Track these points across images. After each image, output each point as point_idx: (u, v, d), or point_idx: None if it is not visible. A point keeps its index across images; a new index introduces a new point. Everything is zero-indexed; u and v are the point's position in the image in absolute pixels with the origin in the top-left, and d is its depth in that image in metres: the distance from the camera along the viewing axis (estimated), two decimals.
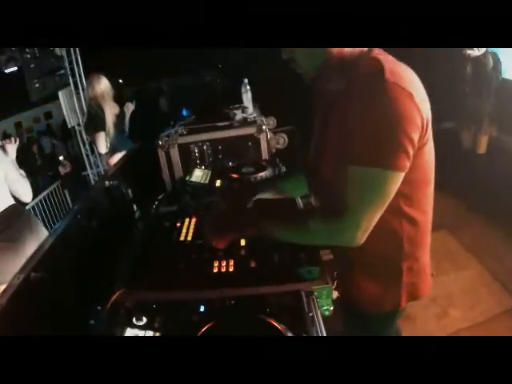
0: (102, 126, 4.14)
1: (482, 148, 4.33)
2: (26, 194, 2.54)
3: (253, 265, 1.49)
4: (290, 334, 1.13)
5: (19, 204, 2.50)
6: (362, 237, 1.18)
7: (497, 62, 4.02)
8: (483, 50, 3.97)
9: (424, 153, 1.22)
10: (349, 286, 1.53)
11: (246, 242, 1.60)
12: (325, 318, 1.42)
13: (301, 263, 1.46)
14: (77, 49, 5.69)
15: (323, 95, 1.42)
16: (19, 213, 2.40)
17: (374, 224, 1.17)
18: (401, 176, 1.14)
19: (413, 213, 1.33)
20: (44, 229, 2.61)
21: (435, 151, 1.29)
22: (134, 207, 2.49)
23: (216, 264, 1.51)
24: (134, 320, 1.24)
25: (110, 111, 4.21)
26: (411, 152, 1.12)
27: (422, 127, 1.13)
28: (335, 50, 1.22)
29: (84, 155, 5.99)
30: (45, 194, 5.55)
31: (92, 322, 1.37)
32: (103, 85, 4.16)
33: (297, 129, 4.64)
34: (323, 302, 1.43)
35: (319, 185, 1.46)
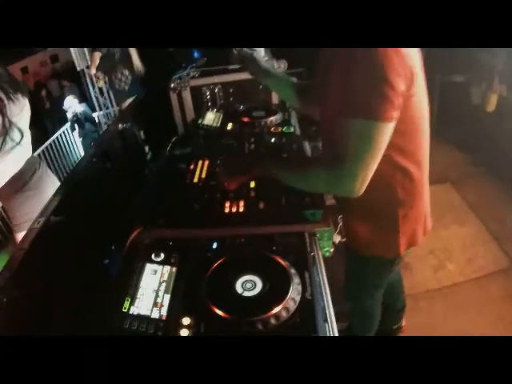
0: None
1: (491, 106, 4.24)
2: None
3: (261, 206, 1.58)
4: (293, 271, 1.24)
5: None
6: (360, 187, 1.23)
7: None
8: None
9: (413, 104, 1.25)
10: (349, 231, 1.64)
11: (256, 185, 1.69)
12: (326, 259, 1.53)
13: (306, 206, 1.55)
14: None
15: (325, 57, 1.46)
16: (37, 162, 2.45)
17: (370, 174, 1.22)
18: (389, 126, 1.18)
19: (405, 163, 1.38)
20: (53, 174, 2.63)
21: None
22: (146, 149, 2.57)
23: (227, 204, 1.61)
24: (152, 256, 1.35)
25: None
26: (396, 102, 1.15)
27: (408, 77, 1.16)
28: None
29: (93, 97, 5.99)
30: (54, 137, 5.59)
31: (106, 261, 1.49)
32: None
33: (307, 71, 4.62)
34: (324, 244, 1.53)
35: (322, 130, 1.54)
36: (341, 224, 1.86)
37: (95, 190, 1.76)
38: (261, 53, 3.09)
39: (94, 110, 6.20)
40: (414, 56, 1.20)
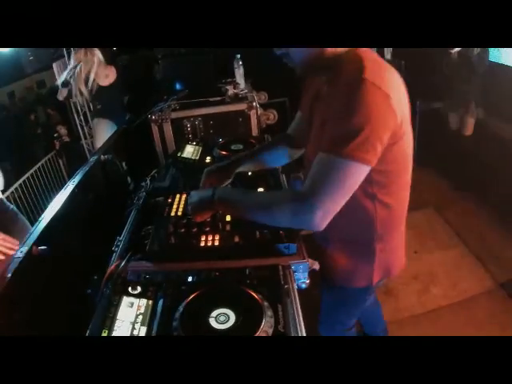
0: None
1: (469, 130, 4.42)
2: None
3: (236, 239, 1.62)
4: (266, 304, 1.27)
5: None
6: (321, 222, 1.22)
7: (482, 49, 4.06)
8: None
9: (399, 147, 1.30)
10: (325, 261, 1.68)
11: (232, 218, 1.74)
12: (302, 290, 1.56)
13: (280, 239, 1.59)
14: None
15: (311, 86, 1.54)
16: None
17: (335, 210, 1.22)
18: (364, 169, 1.20)
19: (387, 199, 1.42)
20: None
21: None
22: (129, 179, 2.61)
23: (203, 238, 1.64)
24: (129, 289, 1.38)
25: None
26: (379, 149, 1.19)
27: (396, 126, 1.22)
28: (326, 50, 1.32)
29: (78, 125, 6.01)
30: (40, 164, 5.57)
31: (89, 291, 1.51)
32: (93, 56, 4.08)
33: (289, 101, 4.71)
34: (300, 276, 1.56)
35: (305, 164, 1.57)
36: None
37: (77, 220, 1.79)
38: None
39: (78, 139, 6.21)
40: (404, 103, 1.26)
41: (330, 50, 1.33)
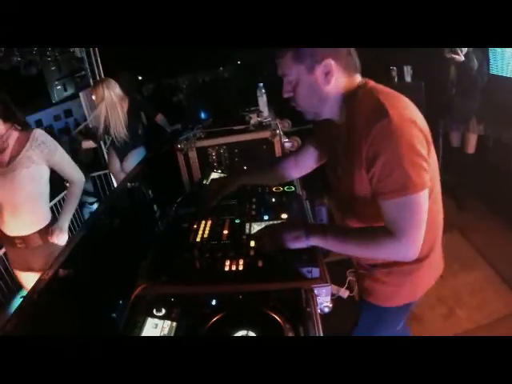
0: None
1: (471, 148, 4.36)
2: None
3: (260, 264, 1.65)
4: (288, 326, 1.29)
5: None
6: (416, 254, 1.33)
7: (482, 61, 4.04)
8: (465, 51, 3.98)
9: (430, 165, 1.34)
10: (367, 283, 1.71)
11: (255, 244, 1.77)
12: (325, 314, 1.57)
13: (303, 263, 1.61)
14: (96, 50, 5.86)
15: (327, 127, 1.58)
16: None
17: (423, 237, 1.32)
18: (427, 191, 1.29)
19: (428, 222, 1.43)
20: None
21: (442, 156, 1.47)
22: (155, 207, 2.67)
23: (227, 263, 1.67)
24: (154, 311, 1.42)
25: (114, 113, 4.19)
26: (427, 167, 1.27)
27: (428, 143, 1.30)
28: (330, 88, 1.38)
29: (106, 154, 6.13)
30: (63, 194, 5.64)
31: (114, 315, 1.55)
32: (111, 89, 4.14)
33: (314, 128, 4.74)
34: (322, 299, 1.57)
35: (340, 197, 1.64)
36: (349, 278, 1.91)
37: (103, 246, 1.84)
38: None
39: (104, 169, 6.33)
40: (425, 122, 1.32)
41: (332, 93, 1.39)
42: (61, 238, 2.54)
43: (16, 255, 2.66)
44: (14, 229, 2.56)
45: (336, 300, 1.63)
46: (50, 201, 2.84)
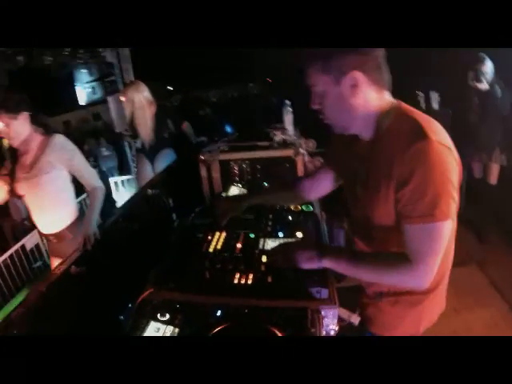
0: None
1: (494, 178, 4.28)
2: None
3: (269, 280, 1.64)
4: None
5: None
6: (430, 281, 1.32)
7: (505, 90, 3.98)
8: (490, 79, 3.94)
9: None
10: (373, 312, 1.67)
11: (267, 260, 1.77)
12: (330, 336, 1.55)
13: (312, 283, 1.60)
14: (128, 57, 5.93)
15: (350, 145, 1.55)
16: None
17: (437, 266, 1.31)
18: (452, 222, 1.27)
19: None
20: None
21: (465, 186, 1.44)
22: (173, 216, 2.69)
23: (237, 276, 1.68)
24: (158, 315, 1.42)
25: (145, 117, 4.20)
26: (456, 198, 1.26)
27: (459, 173, 1.29)
28: (358, 101, 1.35)
29: (130, 160, 6.20)
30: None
31: (122, 317, 1.56)
32: (140, 92, 4.13)
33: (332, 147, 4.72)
34: (329, 322, 1.54)
35: (356, 219, 1.62)
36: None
37: (118, 248, 1.86)
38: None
39: (129, 173, 6.40)
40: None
41: (364, 109, 1.37)
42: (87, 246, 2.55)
43: (52, 248, 2.80)
44: (44, 227, 2.71)
45: (346, 326, 1.60)
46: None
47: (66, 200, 2.68)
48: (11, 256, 4.10)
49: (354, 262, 1.48)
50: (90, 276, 1.55)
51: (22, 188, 2.53)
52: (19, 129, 2.45)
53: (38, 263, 4.41)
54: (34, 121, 2.53)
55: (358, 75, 1.31)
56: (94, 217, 2.45)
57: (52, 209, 2.61)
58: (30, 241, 4.17)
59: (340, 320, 1.57)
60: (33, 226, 2.78)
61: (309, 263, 1.53)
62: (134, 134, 4.29)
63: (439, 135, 1.25)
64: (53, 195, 2.57)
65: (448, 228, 1.26)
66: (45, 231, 2.72)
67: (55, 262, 2.77)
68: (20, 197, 2.56)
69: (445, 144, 1.23)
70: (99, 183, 2.69)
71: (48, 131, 2.58)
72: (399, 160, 1.26)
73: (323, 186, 1.87)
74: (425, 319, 1.61)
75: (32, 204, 2.61)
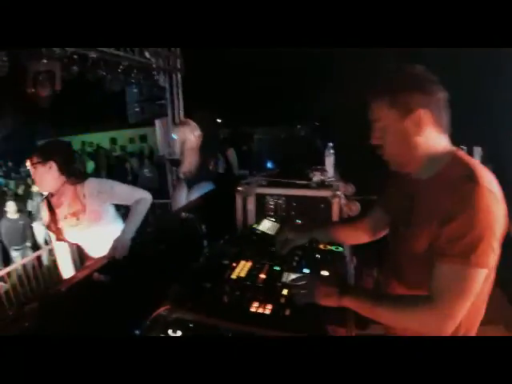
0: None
1: None
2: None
3: (287, 313, 1.63)
4: None
5: None
6: (452, 326, 1.26)
7: None
8: None
9: None
10: None
11: (288, 293, 1.76)
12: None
13: (329, 321, 1.58)
14: (179, 83, 6.12)
15: (402, 185, 1.57)
16: None
17: (463, 314, 1.26)
18: (486, 272, 1.24)
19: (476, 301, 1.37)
20: None
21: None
22: (205, 243, 2.71)
23: (255, 304, 1.67)
24: (169, 331, 1.43)
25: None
26: (496, 249, 1.24)
27: (505, 224, 1.27)
28: (420, 139, 1.38)
29: (170, 184, 6.28)
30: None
31: (137, 332, 1.56)
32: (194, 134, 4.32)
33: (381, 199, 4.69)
34: None
35: (400, 259, 1.56)
36: None
37: (143, 264, 1.89)
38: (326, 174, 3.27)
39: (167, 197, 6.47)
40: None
41: (424, 148, 1.38)
42: (122, 254, 2.55)
43: None
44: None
45: None
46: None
47: (118, 227, 2.64)
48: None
49: (375, 302, 1.43)
50: (112, 285, 1.57)
51: (73, 237, 2.64)
52: (45, 176, 2.51)
53: None
54: (65, 171, 2.57)
55: (424, 113, 1.34)
56: (133, 227, 2.46)
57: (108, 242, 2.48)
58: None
59: None
60: None
61: (328, 300, 1.50)
62: (178, 162, 4.39)
63: (490, 183, 1.25)
64: (109, 237, 2.44)
65: (481, 276, 1.23)
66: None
67: None
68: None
69: (494, 192, 1.23)
70: (144, 194, 2.67)
71: (79, 178, 2.62)
72: (447, 198, 1.27)
73: (378, 226, 1.86)
74: None
75: (87, 247, 2.70)
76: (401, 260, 1.54)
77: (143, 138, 10.94)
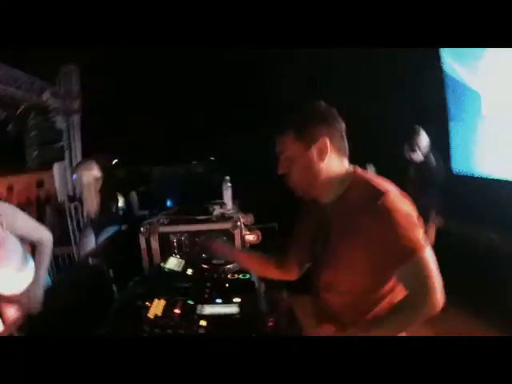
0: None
1: (431, 238, 4.38)
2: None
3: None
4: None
5: None
6: (442, 301, 1.36)
7: (439, 160, 4.43)
8: (425, 151, 4.40)
9: None
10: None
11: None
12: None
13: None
14: (76, 126, 6.02)
15: (317, 207, 1.66)
16: None
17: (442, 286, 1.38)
18: None
19: None
20: None
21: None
22: (113, 286, 2.71)
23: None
24: None
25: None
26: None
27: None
28: (323, 166, 1.53)
29: (70, 231, 6.13)
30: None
31: None
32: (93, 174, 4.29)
33: (278, 227, 4.90)
34: None
35: (325, 276, 1.62)
36: None
37: (57, 315, 1.86)
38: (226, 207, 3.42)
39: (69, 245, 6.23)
40: None
41: (324, 172, 1.54)
42: (34, 309, 2.33)
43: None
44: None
45: None
46: None
47: (18, 264, 2.54)
48: None
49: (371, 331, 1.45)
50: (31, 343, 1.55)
51: None
52: None
53: None
54: None
55: (327, 141, 1.51)
56: (43, 276, 2.38)
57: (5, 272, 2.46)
58: None
59: None
60: None
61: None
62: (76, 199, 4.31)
63: (390, 186, 1.46)
64: (6, 265, 2.45)
65: (431, 252, 1.40)
66: None
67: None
68: None
69: (400, 194, 1.45)
70: (46, 235, 2.57)
71: None
72: (366, 219, 1.41)
73: (300, 257, 1.87)
74: None
75: None
76: (328, 278, 1.60)
77: (40, 184, 10.35)
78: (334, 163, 1.56)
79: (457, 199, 4.52)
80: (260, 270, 2.10)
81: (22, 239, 2.56)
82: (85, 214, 4.27)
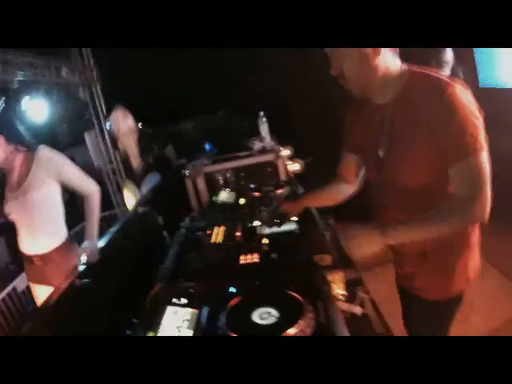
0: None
1: None
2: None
3: (274, 256, 1.69)
4: (310, 308, 1.31)
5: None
6: (488, 211, 1.33)
7: (466, 73, 4.19)
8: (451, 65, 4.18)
9: None
10: (421, 281, 1.65)
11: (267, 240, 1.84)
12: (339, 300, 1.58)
13: (315, 251, 1.66)
14: (99, 95, 6.05)
15: (371, 108, 1.57)
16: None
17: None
18: None
19: None
20: None
21: None
22: (165, 233, 2.69)
23: (242, 258, 1.73)
24: (174, 300, 1.44)
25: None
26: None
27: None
28: (379, 61, 1.42)
29: (111, 194, 6.20)
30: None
31: (128, 332, 1.48)
32: (128, 122, 4.30)
33: (314, 159, 4.84)
34: (336, 286, 1.59)
35: (388, 182, 1.57)
36: (359, 294, 1.85)
37: (118, 265, 1.88)
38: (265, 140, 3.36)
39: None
40: None
41: (381, 68, 1.43)
42: (96, 257, 2.36)
43: (34, 271, 2.63)
44: (31, 248, 2.55)
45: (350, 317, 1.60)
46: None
47: (56, 220, 2.57)
48: (3, 299, 3.99)
49: (416, 228, 1.46)
50: (95, 287, 1.56)
51: (11, 208, 2.45)
52: None
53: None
54: (11, 140, 2.46)
55: None
56: (96, 228, 2.43)
57: (41, 228, 2.49)
58: (21, 282, 4.08)
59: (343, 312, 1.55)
60: (19, 268, 2.65)
61: (371, 246, 1.45)
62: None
63: (455, 81, 1.36)
64: (43, 213, 2.47)
65: (487, 157, 1.33)
66: (30, 251, 2.56)
67: (37, 289, 2.66)
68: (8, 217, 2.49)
69: (463, 87, 1.35)
70: (94, 187, 2.60)
71: (30, 147, 2.49)
72: (431, 111, 1.35)
73: (356, 170, 1.83)
74: (472, 268, 1.62)
75: (20, 222, 2.51)
76: (391, 183, 1.55)
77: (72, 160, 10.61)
78: (389, 59, 1.45)
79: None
80: (325, 198, 1.99)
81: (74, 191, 2.58)
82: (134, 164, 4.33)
